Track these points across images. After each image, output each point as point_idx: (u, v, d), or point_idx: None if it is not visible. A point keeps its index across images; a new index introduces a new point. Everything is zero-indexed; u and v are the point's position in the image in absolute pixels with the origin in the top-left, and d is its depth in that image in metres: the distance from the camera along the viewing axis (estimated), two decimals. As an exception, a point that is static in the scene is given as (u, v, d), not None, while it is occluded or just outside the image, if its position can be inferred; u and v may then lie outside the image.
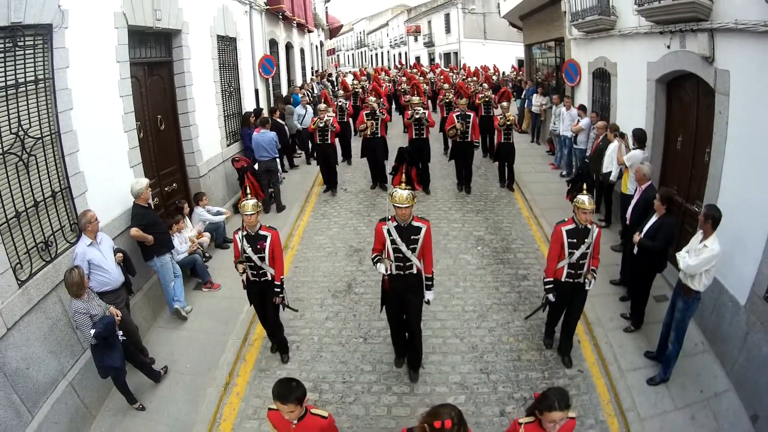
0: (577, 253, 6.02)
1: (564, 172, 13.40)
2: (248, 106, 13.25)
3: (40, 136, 5.64)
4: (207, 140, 10.37)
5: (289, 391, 3.71)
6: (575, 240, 6.03)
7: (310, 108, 13.99)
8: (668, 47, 8.07)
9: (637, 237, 6.67)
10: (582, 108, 12.21)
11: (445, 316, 7.25)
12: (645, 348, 6.76)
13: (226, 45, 12.04)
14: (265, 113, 12.96)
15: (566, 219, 6.22)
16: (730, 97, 6.52)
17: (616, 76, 10.74)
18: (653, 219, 6.63)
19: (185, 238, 8.30)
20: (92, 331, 5.22)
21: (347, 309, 7.85)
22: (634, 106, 9.56)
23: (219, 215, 9.45)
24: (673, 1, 7.29)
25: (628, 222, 7.72)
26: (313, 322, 7.58)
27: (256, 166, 11.01)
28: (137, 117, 7.70)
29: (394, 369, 6.51)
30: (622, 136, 9.26)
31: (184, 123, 9.66)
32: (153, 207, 7.59)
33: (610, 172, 9.39)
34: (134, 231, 6.84)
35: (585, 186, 6.15)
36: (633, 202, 7.60)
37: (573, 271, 6.13)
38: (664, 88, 8.75)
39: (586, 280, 6.15)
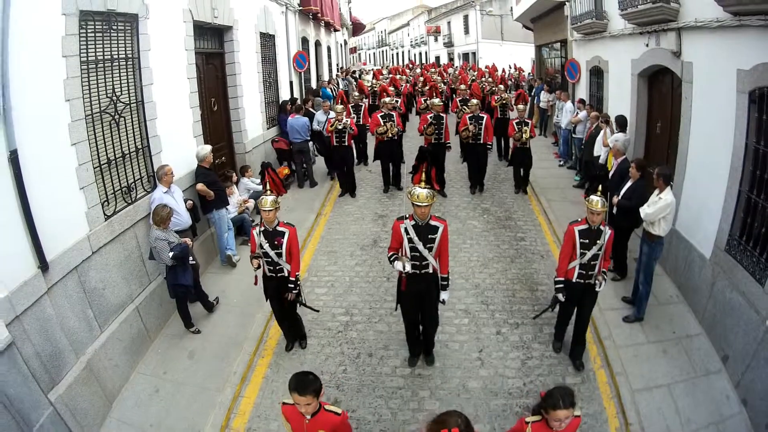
0: (589, 254, 5.98)
1: (561, 161, 14.59)
2: (284, 95, 14.60)
3: (128, 102, 6.86)
4: (251, 122, 11.75)
5: (307, 383, 3.72)
6: (587, 241, 5.98)
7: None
8: (647, 45, 9.28)
9: (615, 199, 7.64)
10: (582, 102, 13.35)
11: (453, 264, 7.73)
12: (622, 295, 7.75)
13: (267, 41, 13.40)
14: (299, 102, 14.09)
15: (579, 219, 6.18)
16: (693, 84, 7.65)
17: (608, 73, 12.01)
18: (629, 183, 7.67)
19: (234, 202, 9.61)
20: (171, 253, 6.49)
21: (373, 258, 9.20)
22: (623, 98, 10.74)
23: (261, 185, 10.73)
24: (647, 6, 8.47)
25: (608, 190, 8.70)
26: (344, 267, 8.95)
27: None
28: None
29: (408, 367, 6.62)
30: (607, 122, 10.50)
31: (233, 106, 11.03)
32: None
33: (600, 155, 10.54)
34: (200, 186, 8.12)
35: (600, 188, 6.22)
36: (611, 173, 8.82)
37: (584, 272, 6.08)
38: (646, 81, 9.97)
39: (597, 282, 6.09)
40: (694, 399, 5.90)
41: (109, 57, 6.51)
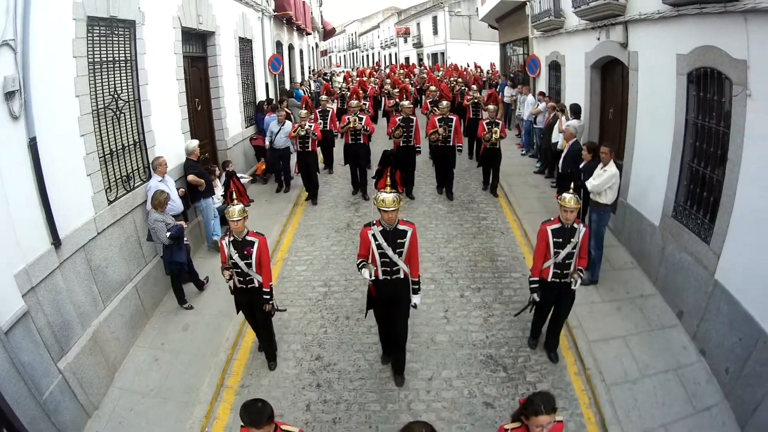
0: (563, 253, 5.93)
1: (524, 150, 15.56)
2: (260, 96, 15.34)
3: (127, 99, 7.48)
4: (231, 121, 12.47)
5: (259, 415, 3.58)
6: (561, 239, 5.93)
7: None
8: (598, 39, 10.14)
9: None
10: (542, 94, 14.24)
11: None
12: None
13: (245, 45, 14.18)
14: (275, 103, 14.79)
15: (552, 218, 6.13)
16: (639, 72, 8.44)
17: (565, 66, 12.92)
18: (582, 164, 8.43)
19: (218, 193, 10.20)
20: (168, 233, 7.18)
21: (347, 239, 9.98)
22: (578, 89, 11.67)
23: (243, 178, 11.38)
24: (597, 3, 9.34)
25: (560, 170, 9.81)
26: (322, 247, 9.71)
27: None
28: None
29: (381, 365, 6.68)
30: (562, 110, 11.41)
31: (215, 106, 11.74)
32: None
33: (557, 142, 11.36)
34: (191, 177, 8.77)
35: (572, 186, 6.13)
36: (564, 154, 9.76)
37: (559, 271, 6.03)
38: (599, 71, 10.85)
39: (572, 280, 6.03)
40: (650, 349, 6.50)
41: (111, 59, 7.16)
